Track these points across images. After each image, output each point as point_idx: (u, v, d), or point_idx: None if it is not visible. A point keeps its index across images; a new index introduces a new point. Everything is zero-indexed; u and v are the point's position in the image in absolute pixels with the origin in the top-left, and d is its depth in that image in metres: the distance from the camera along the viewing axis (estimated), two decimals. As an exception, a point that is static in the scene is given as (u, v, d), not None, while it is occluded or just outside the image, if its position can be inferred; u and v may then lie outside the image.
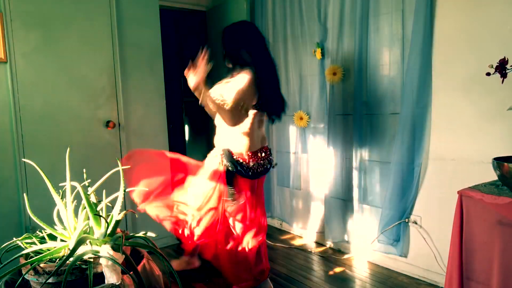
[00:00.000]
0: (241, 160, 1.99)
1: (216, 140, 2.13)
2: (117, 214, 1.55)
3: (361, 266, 2.55)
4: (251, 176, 2.02)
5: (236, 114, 1.85)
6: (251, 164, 2.00)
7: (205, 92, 1.91)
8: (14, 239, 1.48)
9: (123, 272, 1.36)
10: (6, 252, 1.44)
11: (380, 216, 2.45)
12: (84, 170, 1.70)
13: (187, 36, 4.79)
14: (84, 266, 1.33)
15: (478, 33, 1.97)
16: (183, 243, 2.33)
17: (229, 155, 2.00)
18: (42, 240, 1.51)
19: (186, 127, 4.95)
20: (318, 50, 2.74)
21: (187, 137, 4.98)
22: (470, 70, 2.01)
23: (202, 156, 2.26)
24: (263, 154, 2.07)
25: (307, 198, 3.06)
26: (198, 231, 2.08)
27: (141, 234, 1.64)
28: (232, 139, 2.02)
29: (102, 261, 1.34)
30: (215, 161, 2.06)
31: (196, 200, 2.09)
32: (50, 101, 2.44)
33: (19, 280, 1.31)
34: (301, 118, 2.99)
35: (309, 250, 2.87)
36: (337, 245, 2.86)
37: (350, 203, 2.68)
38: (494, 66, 1.53)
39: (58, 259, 1.39)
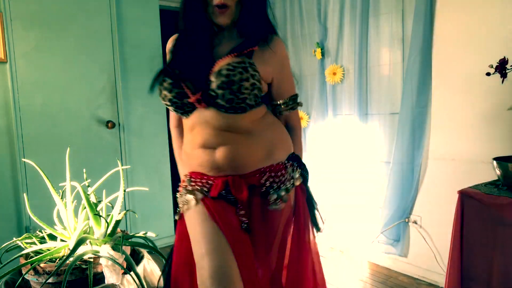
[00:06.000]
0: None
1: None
2: (117, 214, 1.55)
3: (361, 266, 2.55)
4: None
5: None
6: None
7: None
8: (14, 239, 1.49)
9: (123, 272, 1.37)
10: (6, 252, 1.44)
11: (380, 216, 2.45)
12: (84, 170, 1.70)
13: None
14: (84, 266, 1.33)
15: (478, 33, 1.97)
16: None
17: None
18: (42, 240, 1.51)
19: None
20: (318, 50, 2.74)
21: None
22: (470, 70, 2.01)
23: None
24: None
25: (307, 198, 3.06)
26: None
27: (141, 234, 1.64)
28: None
29: (102, 261, 1.34)
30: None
31: None
32: (50, 101, 2.44)
33: (19, 280, 1.31)
34: (301, 118, 2.99)
35: (309, 250, 2.87)
36: (337, 245, 2.86)
37: (350, 203, 2.68)
38: (494, 66, 1.53)
39: (58, 259, 1.39)
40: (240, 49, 1.09)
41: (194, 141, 1.12)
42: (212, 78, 1.04)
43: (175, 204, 1.23)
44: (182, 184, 1.19)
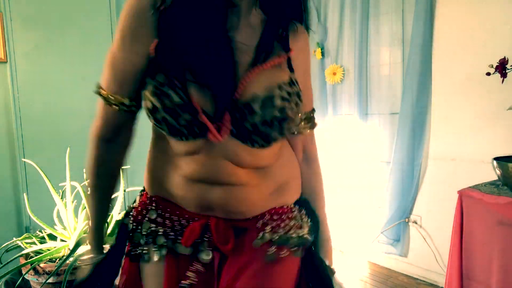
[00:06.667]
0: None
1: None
2: (117, 214, 1.55)
3: (361, 266, 2.55)
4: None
5: None
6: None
7: None
8: (14, 239, 1.49)
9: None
10: (6, 252, 1.45)
11: (380, 216, 2.45)
12: (84, 170, 1.70)
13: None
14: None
15: (478, 33, 1.97)
16: None
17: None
18: (42, 240, 1.51)
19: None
20: (318, 50, 2.74)
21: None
22: (470, 70, 2.01)
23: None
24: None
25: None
26: None
27: (141, 234, 1.63)
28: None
29: (102, 261, 1.33)
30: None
31: None
32: (50, 101, 2.43)
33: (19, 280, 1.31)
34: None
35: (309, 250, 2.87)
36: (337, 244, 2.86)
37: (350, 203, 2.68)
38: (494, 66, 1.53)
39: (58, 259, 1.39)
40: (273, 50, 0.70)
41: (187, 168, 0.73)
42: (256, 107, 0.65)
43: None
44: (139, 209, 0.82)
